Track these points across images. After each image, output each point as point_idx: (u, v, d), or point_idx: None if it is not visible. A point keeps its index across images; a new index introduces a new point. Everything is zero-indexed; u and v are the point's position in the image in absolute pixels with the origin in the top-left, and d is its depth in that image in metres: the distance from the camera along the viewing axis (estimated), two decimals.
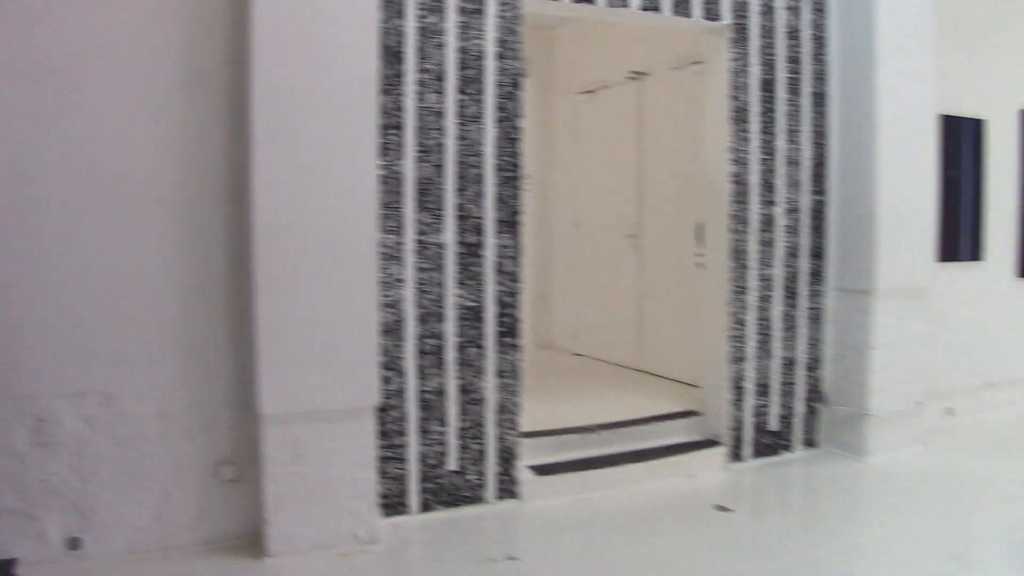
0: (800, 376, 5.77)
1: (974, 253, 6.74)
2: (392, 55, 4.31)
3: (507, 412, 4.69)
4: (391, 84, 4.31)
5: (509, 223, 4.64)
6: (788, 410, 5.73)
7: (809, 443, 5.86)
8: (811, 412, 5.84)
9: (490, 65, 4.57)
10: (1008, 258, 7.07)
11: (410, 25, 4.36)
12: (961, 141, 6.58)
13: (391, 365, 4.35)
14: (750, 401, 5.56)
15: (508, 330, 4.67)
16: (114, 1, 3.84)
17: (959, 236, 6.64)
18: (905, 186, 5.65)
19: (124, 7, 3.86)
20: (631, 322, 7.67)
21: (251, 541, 4.12)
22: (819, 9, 5.71)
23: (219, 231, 4.06)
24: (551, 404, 6.11)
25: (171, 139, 3.96)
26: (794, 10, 5.60)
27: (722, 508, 4.76)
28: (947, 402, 6.65)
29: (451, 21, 4.46)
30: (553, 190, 9.06)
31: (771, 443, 5.67)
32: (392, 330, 4.34)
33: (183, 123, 3.98)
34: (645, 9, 5.02)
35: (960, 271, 6.67)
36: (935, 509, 4.83)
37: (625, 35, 7.37)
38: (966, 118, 6.60)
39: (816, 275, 5.80)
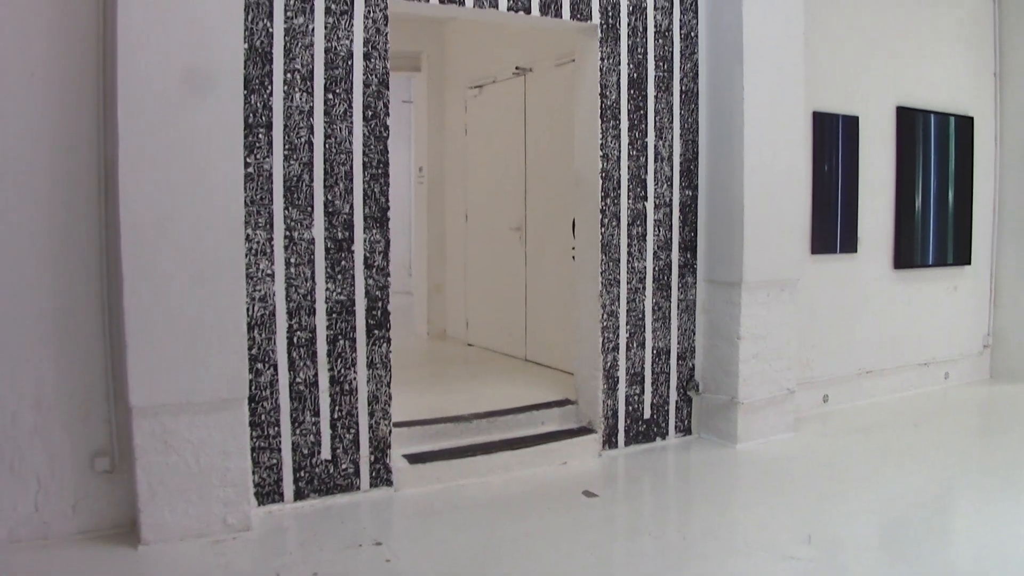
0: (673, 365, 6.29)
1: (848, 245, 7.34)
2: (260, 55, 4.67)
3: (379, 402, 5.10)
4: (259, 84, 4.67)
5: (378, 219, 5.04)
6: (662, 398, 6.25)
7: (683, 430, 6.38)
8: (684, 400, 6.37)
9: (358, 65, 4.97)
10: (884, 250, 7.71)
11: (278, 26, 4.72)
12: (835, 137, 7.16)
13: (262, 357, 4.72)
14: (623, 389, 6.06)
15: (378, 323, 5.08)
16: None
17: (834, 229, 7.23)
18: (772, 181, 6.18)
19: None
20: (517, 313, 8.16)
21: (127, 530, 4.46)
22: (690, 9, 6.23)
23: (92, 225, 4.37)
24: (433, 394, 6.56)
25: (42, 135, 4.26)
26: (664, 10, 6.10)
27: (589, 494, 5.23)
28: (824, 390, 7.26)
29: (319, 22, 4.85)
30: (446, 183, 9.51)
31: (645, 430, 6.18)
32: (263, 323, 4.72)
33: (54, 118, 4.29)
34: (513, 10, 5.47)
35: (835, 263, 7.28)
36: (796, 493, 5.36)
37: (512, 30, 7.82)
38: (840, 115, 7.19)
39: (687, 267, 6.32)
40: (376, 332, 5.08)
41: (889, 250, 7.75)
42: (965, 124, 8.23)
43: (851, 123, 7.26)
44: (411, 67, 9.55)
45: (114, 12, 4.11)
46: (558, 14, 5.66)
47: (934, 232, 8.06)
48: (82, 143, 4.35)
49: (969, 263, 8.39)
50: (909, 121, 7.77)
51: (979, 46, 8.38)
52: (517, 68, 7.96)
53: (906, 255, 7.84)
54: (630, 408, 6.11)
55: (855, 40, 7.38)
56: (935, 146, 8.00)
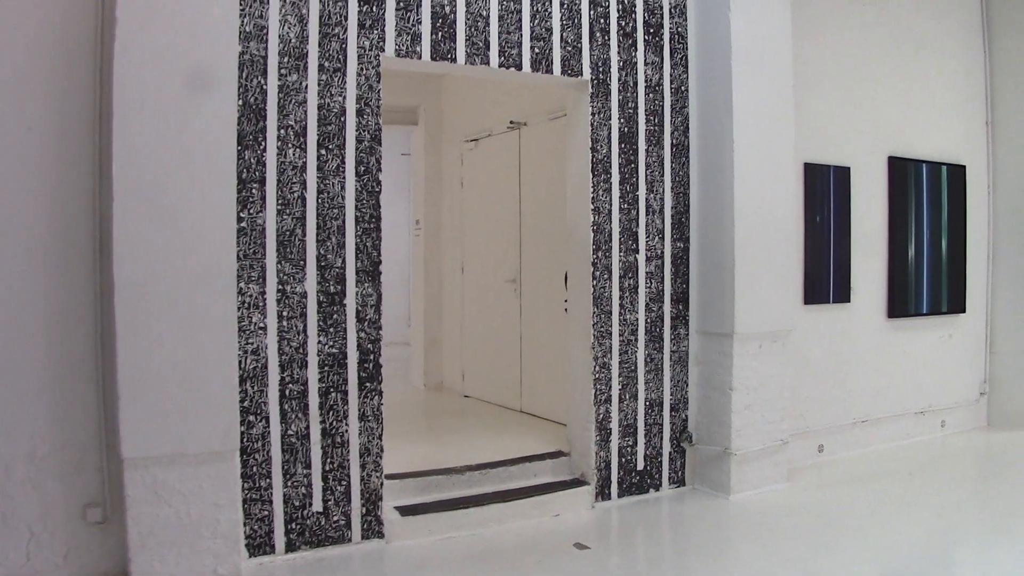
0: (666, 417, 6.37)
1: (842, 295, 7.45)
2: (254, 112, 4.82)
3: (370, 454, 5.18)
4: (253, 140, 4.81)
5: (370, 273, 5.16)
6: (655, 450, 6.32)
7: (677, 481, 6.45)
8: (678, 451, 6.44)
9: (351, 121, 5.11)
10: (878, 299, 7.82)
11: (272, 83, 4.88)
12: (827, 188, 7.30)
13: (254, 409, 4.81)
14: (616, 441, 6.13)
15: (369, 375, 5.18)
16: None
17: (827, 279, 7.34)
18: (763, 233, 6.31)
19: None
20: (513, 365, 8.25)
21: None
22: (680, 64, 6.39)
23: (86, 280, 4.51)
24: (427, 445, 6.65)
25: (41, 193, 4.41)
26: (655, 65, 6.27)
27: (581, 546, 5.29)
28: (819, 440, 7.32)
29: (312, 79, 5.00)
30: (443, 236, 9.65)
31: (638, 482, 6.24)
32: (255, 376, 4.82)
33: (52, 174, 4.44)
34: (505, 67, 5.63)
35: (828, 313, 7.38)
36: (791, 543, 5.40)
37: (507, 85, 8.00)
38: (832, 166, 7.34)
39: (680, 319, 6.43)
40: (368, 385, 5.17)
41: (883, 299, 7.86)
42: (958, 173, 8.38)
43: (843, 174, 7.40)
44: (409, 120, 9.74)
45: (110, 72, 4.27)
46: (549, 70, 5.82)
47: (928, 280, 8.17)
48: (79, 199, 4.49)
49: (964, 311, 8.49)
50: (901, 171, 7.91)
51: (971, 95, 8.57)
52: (512, 122, 8.13)
53: (900, 304, 7.94)
54: (623, 460, 6.17)
55: (847, 92, 7.55)
56: (927, 195, 8.14)
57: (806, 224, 7.13)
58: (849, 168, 7.47)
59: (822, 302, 7.31)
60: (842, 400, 7.52)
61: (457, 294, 9.43)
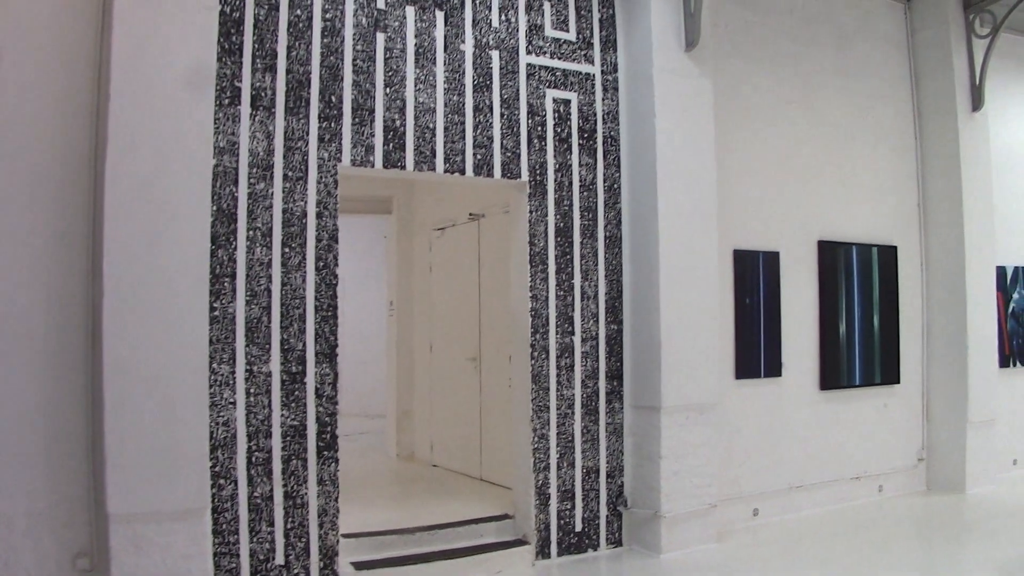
0: (603, 482, 7.20)
1: (773, 370, 8.31)
2: (227, 216, 5.74)
3: (327, 515, 6.01)
4: (225, 240, 5.73)
5: (327, 355, 6.05)
6: (592, 512, 7.14)
7: (614, 542, 7.25)
8: (615, 514, 7.25)
9: (311, 223, 6.04)
10: (810, 373, 8.68)
11: (243, 190, 5.81)
12: (756, 271, 8.20)
13: (224, 474, 5.66)
14: (555, 505, 6.95)
15: (327, 445, 6.03)
16: None
17: (757, 355, 8.20)
18: (688, 315, 7.19)
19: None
20: (474, 436, 9.12)
21: None
22: (613, 164, 7.34)
23: (79, 361, 5.41)
24: (388, 510, 7.50)
25: (41, 289, 5.35)
26: (588, 166, 7.22)
27: None
28: (754, 504, 8.12)
29: (278, 187, 5.93)
30: (414, 316, 10.56)
31: (577, 542, 7.05)
32: (225, 444, 5.67)
33: (49, 274, 5.37)
34: (450, 172, 6.58)
35: (759, 386, 8.23)
36: None
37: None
38: (761, 251, 8.25)
39: (615, 394, 7.29)
40: (326, 453, 6.03)
41: (815, 372, 8.71)
42: (889, 253, 9.30)
43: (772, 258, 8.31)
44: (383, 210, 10.71)
45: (102, 182, 5.21)
46: (490, 174, 6.77)
47: (860, 354, 9.02)
48: (74, 293, 5.42)
49: (899, 381, 9.34)
50: (831, 253, 8.83)
51: (902, 179, 9.58)
52: (471, 214, 9.09)
53: (832, 376, 8.79)
54: (562, 522, 6.99)
55: (776, 181, 8.52)
56: (858, 274, 9.04)
57: (736, 305, 8.02)
58: (778, 252, 8.38)
59: (753, 376, 8.17)
60: (776, 466, 8.33)
61: (426, 370, 10.32)
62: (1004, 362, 10.03)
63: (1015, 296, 10.28)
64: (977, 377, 9.35)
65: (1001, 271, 10.01)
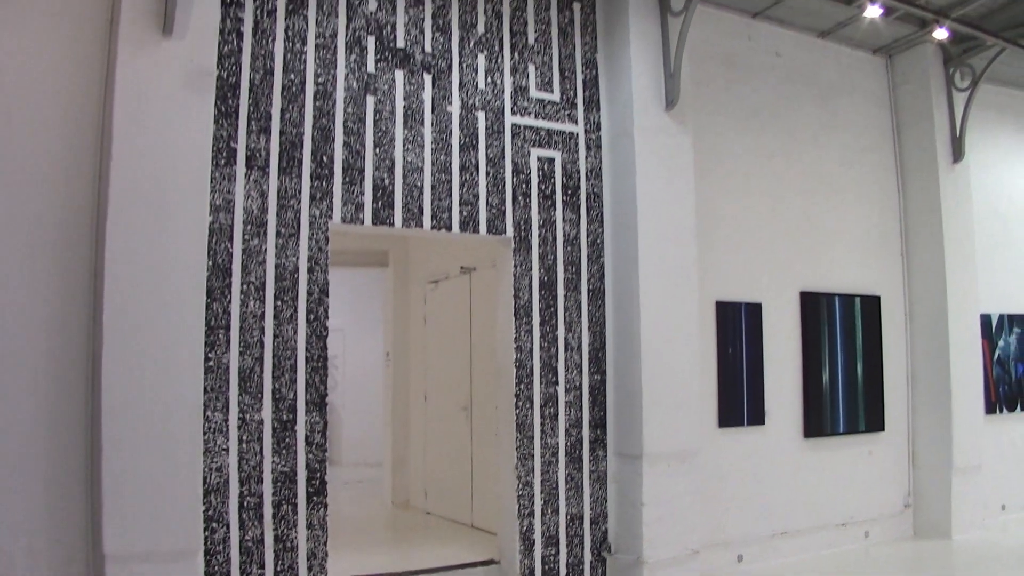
0: (587, 529, 7.45)
1: (756, 418, 8.58)
2: (222, 271, 6.06)
3: (316, 558, 6.28)
4: (220, 293, 6.05)
5: (317, 404, 6.36)
6: (576, 558, 7.38)
7: None
8: (599, 560, 7.49)
9: (303, 277, 6.37)
10: (794, 421, 8.93)
11: (237, 246, 6.14)
12: (739, 322, 8.50)
13: (216, 517, 5.93)
14: (539, 550, 7.20)
15: (316, 491, 6.32)
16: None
17: (740, 404, 8.47)
18: (669, 365, 7.49)
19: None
20: (465, 484, 9.39)
21: None
22: (596, 219, 7.68)
23: (79, 406, 5.67)
24: (378, 555, 7.83)
25: (41, 336, 5.64)
26: (572, 222, 7.55)
27: None
28: (738, 550, 8.35)
29: (271, 243, 6.27)
30: (409, 366, 10.87)
31: None
32: (218, 489, 5.95)
33: (51, 323, 5.67)
34: (436, 228, 6.92)
35: (743, 435, 8.49)
36: None
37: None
38: (743, 303, 8.56)
39: (599, 442, 7.56)
40: (315, 498, 6.31)
41: (798, 420, 8.97)
42: (872, 303, 9.59)
43: (754, 309, 8.61)
44: (379, 263, 11.06)
45: (103, 236, 5.54)
46: (476, 230, 7.11)
47: (844, 402, 9.28)
48: (75, 342, 5.72)
49: (883, 429, 9.58)
50: (814, 303, 9.14)
51: (885, 230, 9.89)
52: (463, 267, 9.43)
53: (815, 424, 9.04)
54: (547, 567, 7.24)
55: (758, 234, 8.84)
56: (841, 324, 9.32)
57: (719, 355, 8.32)
58: (761, 304, 8.69)
59: (737, 424, 8.43)
60: (761, 513, 8.56)
61: (421, 420, 10.61)
62: (991, 408, 10.27)
63: (1001, 343, 10.54)
64: (962, 423, 9.58)
65: (986, 319, 10.27)
